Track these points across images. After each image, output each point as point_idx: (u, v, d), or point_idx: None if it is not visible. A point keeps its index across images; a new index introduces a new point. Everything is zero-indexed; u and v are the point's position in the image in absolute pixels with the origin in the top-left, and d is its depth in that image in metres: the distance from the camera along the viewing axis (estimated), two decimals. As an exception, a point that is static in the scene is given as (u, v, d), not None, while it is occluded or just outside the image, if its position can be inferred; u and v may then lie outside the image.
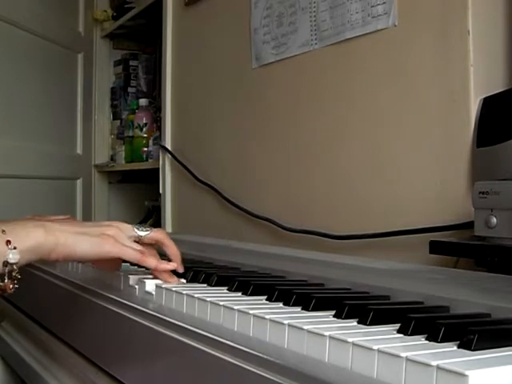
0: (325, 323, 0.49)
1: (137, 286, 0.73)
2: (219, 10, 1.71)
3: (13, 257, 0.64)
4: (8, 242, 0.64)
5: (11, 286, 0.66)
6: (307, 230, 1.33)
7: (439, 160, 1.08)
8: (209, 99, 1.76)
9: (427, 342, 0.44)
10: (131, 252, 0.72)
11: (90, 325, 0.80)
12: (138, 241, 0.75)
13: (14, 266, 0.65)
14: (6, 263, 0.64)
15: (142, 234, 0.76)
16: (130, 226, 0.76)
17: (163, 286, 0.69)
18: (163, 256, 0.77)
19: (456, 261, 0.96)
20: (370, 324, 0.49)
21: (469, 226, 0.94)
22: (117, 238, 0.71)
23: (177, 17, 1.92)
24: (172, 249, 0.77)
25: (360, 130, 1.24)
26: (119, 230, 0.73)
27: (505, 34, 1.03)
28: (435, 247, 0.92)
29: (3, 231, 0.65)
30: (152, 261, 0.73)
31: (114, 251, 0.71)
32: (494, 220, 0.84)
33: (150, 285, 0.71)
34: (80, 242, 0.69)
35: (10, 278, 0.65)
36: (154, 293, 0.69)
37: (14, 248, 0.65)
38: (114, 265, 0.78)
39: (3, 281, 0.66)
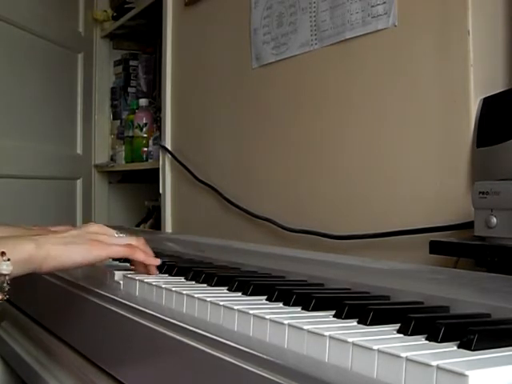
0: (325, 323, 0.49)
1: (137, 285, 0.73)
2: (219, 10, 1.71)
3: (6, 268, 0.67)
4: (2, 254, 0.67)
5: (0, 297, 0.68)
6: (307, 230, 1.33)
7: (439, 160, 1.08)
8: (209, 99, 1.76)
9: (427, 342, 0.44)
10: (119, 249, 0.76)
11: (90, 325, 0.80)
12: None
13: (6, 277, 0.67)
14: None
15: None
16: (111, 229, 0.80)
17: (163, 286, 0.69)
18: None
19: (456, 261, 0.96)
20: (370, 324, 0.49)
21: (469, 225, 0.94)
22: (103, 240, 0.75)
23: (177, 17, 1.92)
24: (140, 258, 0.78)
25: (360, 129, 1.24)
26: (103, 232, 0.78)
27: (505, 34, 1.03)
28: (435, 247, 0.92)
29: None
30: (140, 255, 0.77)
31: (103, 254, 0.75)
32: (494, 220, 0.84)
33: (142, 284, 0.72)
34: (69, 253, 0.72)
35: (1, 289, 0.68)
36: (154, 293, 0.69)
37: (8, 260, 0.67)
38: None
39: None
